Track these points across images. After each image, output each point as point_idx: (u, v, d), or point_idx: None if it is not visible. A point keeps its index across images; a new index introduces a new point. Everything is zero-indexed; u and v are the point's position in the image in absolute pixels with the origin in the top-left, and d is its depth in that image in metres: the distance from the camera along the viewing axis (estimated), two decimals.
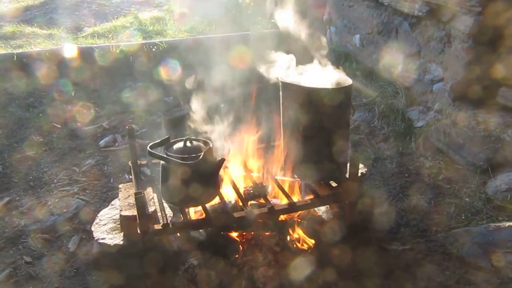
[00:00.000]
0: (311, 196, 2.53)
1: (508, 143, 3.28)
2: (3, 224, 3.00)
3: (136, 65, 5.02)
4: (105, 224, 2.51)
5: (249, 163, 2.83)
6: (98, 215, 2.63)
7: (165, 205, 2.51)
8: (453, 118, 3.61)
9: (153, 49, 5.22)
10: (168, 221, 2.31)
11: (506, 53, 3.43)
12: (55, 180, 3.44)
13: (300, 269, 2.41)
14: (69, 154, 3.79)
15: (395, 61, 4.37)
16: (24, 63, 4.84)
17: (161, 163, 2.36)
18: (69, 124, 4.20)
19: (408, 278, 2.50)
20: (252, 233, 2.55)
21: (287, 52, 2.66)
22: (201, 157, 2.24)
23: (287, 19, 2.67)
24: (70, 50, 5.02)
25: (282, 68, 2.60)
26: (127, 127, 2.78)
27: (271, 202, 2.48)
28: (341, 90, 2.48)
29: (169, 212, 2.53)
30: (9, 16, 7.03)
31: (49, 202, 3.20)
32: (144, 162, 2.84)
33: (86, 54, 5.02)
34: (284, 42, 2.78)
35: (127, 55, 5.10)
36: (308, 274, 2.39)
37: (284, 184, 2.66)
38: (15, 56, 4.86)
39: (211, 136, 2.56)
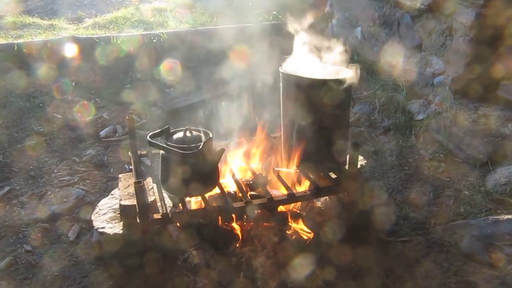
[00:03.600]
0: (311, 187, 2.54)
1: (508, 137, 3.28)
2: (3, 213, 3.01)
3: (137, 56, 5.00)
4: (105, 214, 2.52)
5: (249, 154, 2.83)
6: (98, 204, 2.64)
7: (165, 195, 2.51)
8: (454, 112, 3.61)
9: (154, 40, 5.20)
10: (168, 211, 2.31)
11: (507, 53, 3.42)
12: (55, 170, 3.45)
13: (298, 260, 2.42)
14: (70, 144, 3.80)
15: (396, 54, 4.35)
16: (24, 54, 4.83)
17: (161, 153, 2.36)
18: (69, 115, 4.20)
19: (407, 270, 2.51)
20: (251, 223, 2.55)
21: (287, 44, 2.66)
22: (201, 147, 2.24)
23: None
24: (70, 41, 5.00)
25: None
26: (127, 118, 2.78)
27: (270, 192, 2.49)
28: (341, 82, 2.48)
29: (168, 202, 2.54)
30: (10, 6, 7.00)
31: (49, 192, 3.21)
32: (144, 152, 2.84)
33: (86, 45, 5.00)
34: (285, 34, 2.77)
35: (127, 46, 5.08)
36: (306, 265, 2.40)
37: (283, 175, 2.67)
38: (15, 47, 4.85)
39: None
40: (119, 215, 2.43)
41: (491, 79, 3.54)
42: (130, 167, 2.89)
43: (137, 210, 2.22)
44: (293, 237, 2.57)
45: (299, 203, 2.68)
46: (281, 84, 2.60)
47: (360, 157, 2.71)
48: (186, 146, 2.27)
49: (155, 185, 2.56)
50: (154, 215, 2.28)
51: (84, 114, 4.25)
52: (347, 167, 2.53)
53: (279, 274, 2.37)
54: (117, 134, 3.97)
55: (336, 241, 2.52)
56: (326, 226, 2.56)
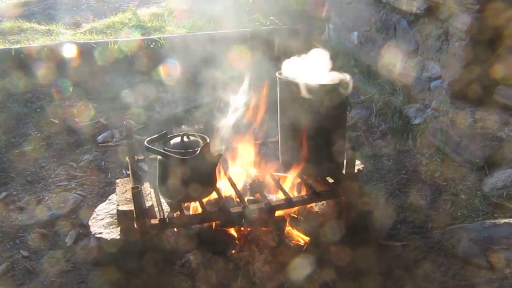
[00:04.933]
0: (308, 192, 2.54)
1: (505, 140, 3.29)
2: (0, 218, 3.00)
3: (135, 61, 5.01)
4: (102, 219, 2.52)
5: (246, 159, 2.83)
6: (95, 210, 2.64)
7: (162, 200, 2.51)
8: (451, 116, 3.62)
9: (152, 45, 5.21)
10: (165, 216, 2.31)
11: (506, 53, 3.44)
12: (53, 175, 3.44)
13: (296, 264, 2.42)
14: (67, 149, 3.79)
15: (393, 58, 4.37)
16: (22, 59, 4.83)
17: (158, 158, 2.36)
18: (67, 120, 4.20)
19: (404, 273, 2.51)
20: (249, 228, 2.55)
21: (285, 49, 2.67)
22: (198, 152, 2.24)
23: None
24: (68, 46, 5.00)
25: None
26: (125, 123, 2.79)
27: (268, 197, 2.49)
28: (338, 86, 2.49)
29: (166, 207, 2.54)
30: (8, 11, 7.01)
31: (47, 197, 3.20)
32: (141, 157, 2.84)
33: (84, 50, 5.00)
34: (283, 39, 2.78)
35: (125, 51, 5.09)
36: (304, 269, 2.40)
37: (281, 180, 2.67)
38: (13, 52, 4.85)
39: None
40: (116, 220, 2.43)
41: (488, 83, 3.55)
42: (128, 172, 2.89)
43: (135, 216, 2.22)
44: (291, 241, 2.57)
45: (296, 208, 2.68)
46: (278, 89, 2.61)
47: (358, 161, 2.72)
48: (183, 151, 2.28)
49: (152, 190, 2.56)
50: (152, 220, 2.28)
51: (82, 119, 4.24)
52: (344, 171, 2.54)
53: (277, 278, 2.37)
54: (114, 139, 3.97)
55: (334, 244, 2.52)
56: (324, 230, 2.57)
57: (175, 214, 2.44)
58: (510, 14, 3.29)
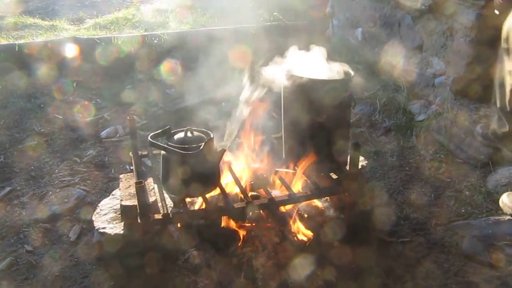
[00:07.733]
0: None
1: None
2: (4, 213, 3.01)
3: (138, 57, 5.01)
4: (105, 214, 2.51)
5: (250, 155, 2.83)
6: (99, 205, 2.63)
7: (166, 195, 2.51)
8: (455, 112, 3.61)
9: (155, 41, 5.21)
10: (169, 211, 2.31)
11: None
12: (56, 171, 3.45)
13: (299, 261, 2.42)
14: (70, 145, 3.79)
15: (397, 55, 4.36)
16: (25, 54, 4.83)
17: (161, 153, 2.36)
18: (70, 115, 4.20)
19: (407, 270, 2.51)
20: (252, 224, 2.55)
21: (289, 46, 2.66)
22: (202, 147, 2.24)
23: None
24: (71, 42, 5.01)
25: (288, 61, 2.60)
26: (128, 118, 2.79)
27: (271, 193, 2.49)
28: (343, 83, 2.48)
29: (169, 202, 2.53)
30: (11, 7, 7.01)
31: (50, 193, 3.20)
32: (145, 152, 2.84)
33: (87, 45, 5.00)
34: (286, 35, 2.77)
35: (128, 46, 5.09)
36: (307, 266, 2.40)
37: (285, 176, 2.67)
38: (16, 47, 4.85)
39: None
40: (120, 215, 2.43)
41: (492, 80, 3.53)
42: (131, 167, 2.89)
43: (138, 211, 2.22)
44: (294, 238, 2.57)
45: (300, 204, 2.68)
46: (282, 85, 2.60)
47: (361, 158, 2.71)
48: (187, 146, 2.28)
49: (156, 186, 2.56)
50: (155, 215, 2.28)
51: (85, 114, 4.25)
52: (347, 167, 2.54)
53: (280, 275, 2.36)
54: (118, 135, 3.97)
55: (336, 241, 2.52)
56: (327, 227, 2.56)
57: (178, 210, 2.44)
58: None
